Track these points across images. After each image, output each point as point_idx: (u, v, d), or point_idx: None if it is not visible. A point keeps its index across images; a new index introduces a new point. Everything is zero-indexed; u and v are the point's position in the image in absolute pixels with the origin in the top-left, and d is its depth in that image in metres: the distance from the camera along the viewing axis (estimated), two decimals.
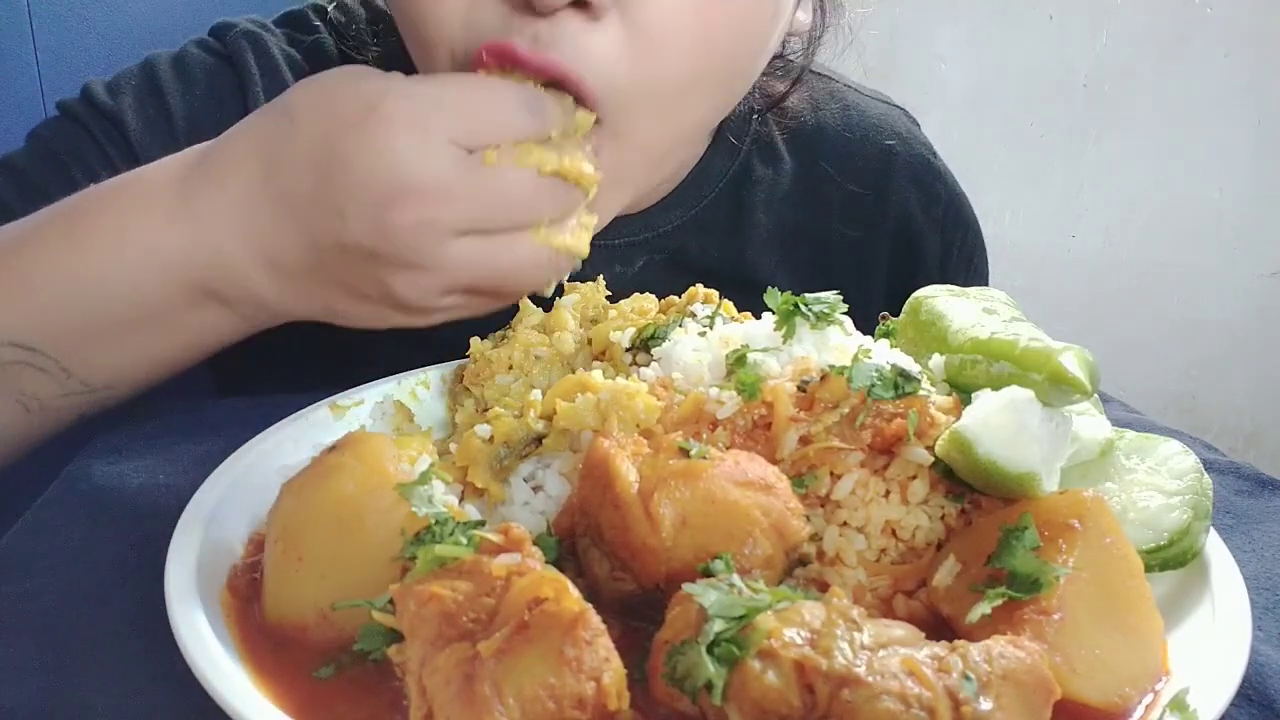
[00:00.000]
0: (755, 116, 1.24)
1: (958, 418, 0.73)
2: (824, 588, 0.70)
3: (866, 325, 0.91)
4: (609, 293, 0.99)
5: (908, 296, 1.26)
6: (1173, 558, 0.75)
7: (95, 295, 0.83)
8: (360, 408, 0.96)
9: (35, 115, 1.52)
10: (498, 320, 0.94)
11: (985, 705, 0.54)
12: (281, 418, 0.92)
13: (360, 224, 0.73)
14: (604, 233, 1.16)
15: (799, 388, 0.76)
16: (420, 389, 1.01)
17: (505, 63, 0.81)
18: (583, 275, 1.15)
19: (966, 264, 1.36)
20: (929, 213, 1.31)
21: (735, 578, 0.60)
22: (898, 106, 1.36)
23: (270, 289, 0.82)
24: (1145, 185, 2.72)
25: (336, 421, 0.94)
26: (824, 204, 1.27)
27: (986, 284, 1.39)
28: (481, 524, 0.66)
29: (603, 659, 0.54)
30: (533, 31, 0.81)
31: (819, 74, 1.30)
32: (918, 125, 1.37)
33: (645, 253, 1.20)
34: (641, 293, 1.07)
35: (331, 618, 0.66)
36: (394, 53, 1.17)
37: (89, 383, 0.89)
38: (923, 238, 1.31)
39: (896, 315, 0.92)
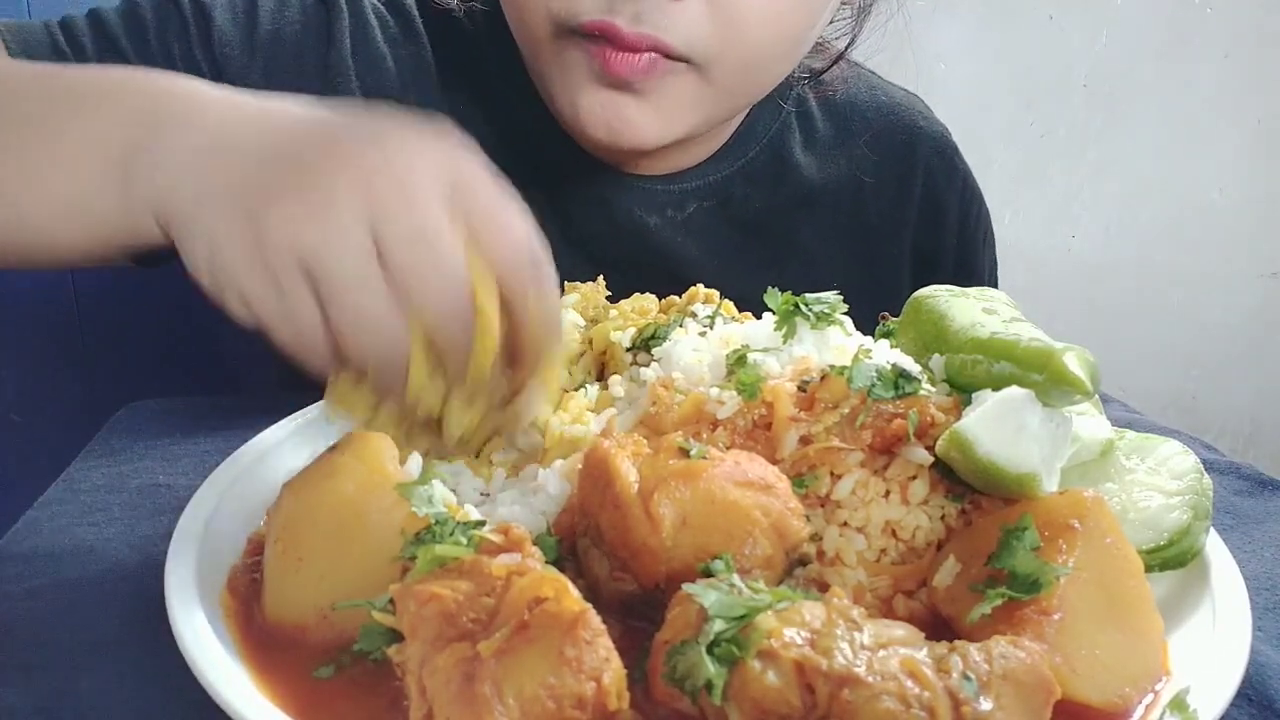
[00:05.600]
0: (797, 84, 1.35)
1: (958, 418, 0.73)
2: (824, 588, 0.70)
3: (893, 282, 0.93)
4: (609, 293, 0.99)
5: (931, 256, 1.39)
6: (1173, 558, 0.75)
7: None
8: None
9: None
10: None
11: (985, 705, 0.54)
12: (281, 418, 0.93)
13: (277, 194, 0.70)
14: (660, 179, 1.28)
15: (799, 388, 0.76)
16: None
17: (609, 39, 1.01)
18: (638, 216, 1.26)
19: (984, 233, 1.48)
20: (950, 182, 1.42)
21: (735, 578, 0.60)
22: (913, 93, 1.49)
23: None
24: (1145, 185, 2.72)
25: (336, 422, 0.94)
26: (857, 166, 1.38)
27: (995, 257, 1.50)
28: (482, 524, 0.66)
29: (603, 659, 0.54)
30: (633, 11, 1.00)
31: (847, 61, 1.40)
32: (931, 111, 1.49)
33: (696, 199, 1.30)
34: (688, 236, 1.28)
35: (331, 618, 0.66)
36: (478, 7, 1.23)
37: None
38: (946, 204, 1.41)
39: (915, 290, 0.91)
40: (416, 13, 1.25)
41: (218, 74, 1.12)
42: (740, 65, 1.09)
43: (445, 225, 0.69)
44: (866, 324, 0.90)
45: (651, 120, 1.09)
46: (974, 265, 1.45)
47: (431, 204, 0.69)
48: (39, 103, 0.87)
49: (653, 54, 1.03)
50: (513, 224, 0.72)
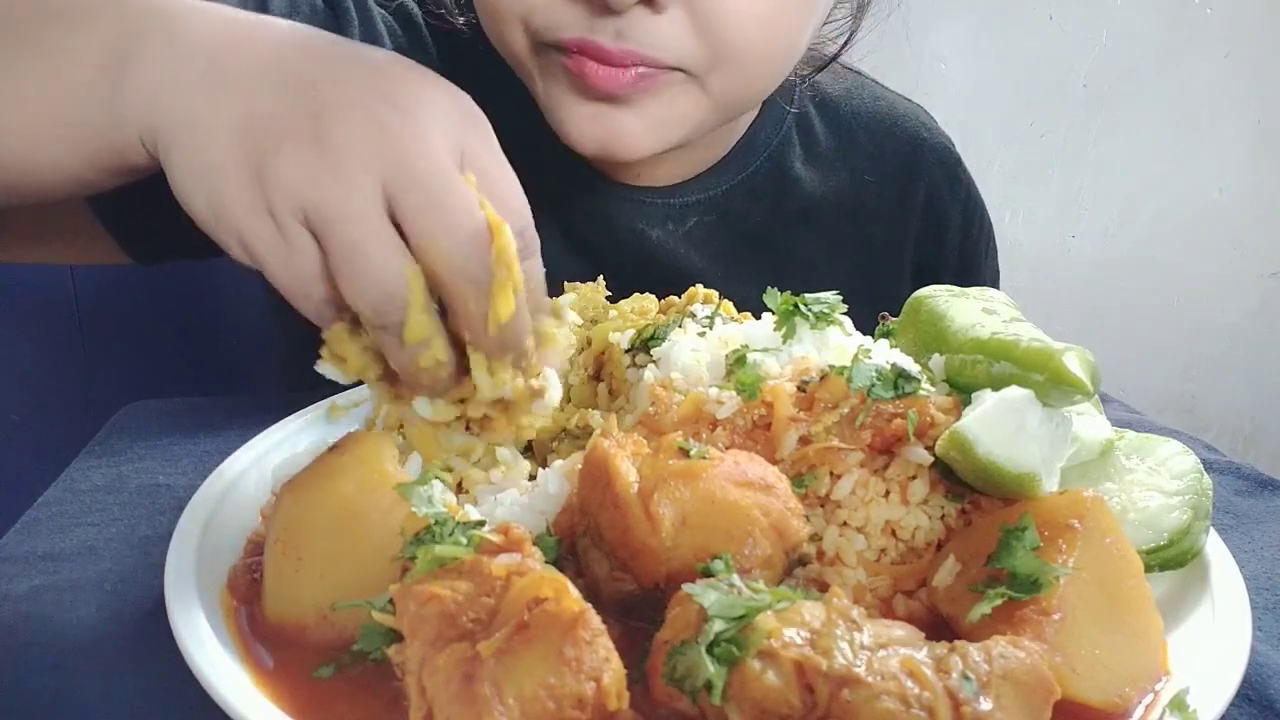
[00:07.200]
0: (796, 93, 1.34)
1: (958, 418, 0.73)
2: (824, 588, 0.70)
3: (894, 295, 0.93)
4: (609, 292, 0.99)
5: (932, 269, 1.39)
6: (1173, 558, 0.75)
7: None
8: (360, 409, 0.96)
9: None
10: None
11: (985, 705, 0.54)
12: (281, 418, 0.93)
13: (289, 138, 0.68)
14: (661, 191, 1.27)
15: (799, 388, 0.76)
16: None
17: (592, 56, 0.98)
18: (639, 229, 1.26)
19: (986, 245, 1.47)
20: (953, 194, 1.41)
21: (735, 578, 0.60)
22: (917, 104, 1.48)
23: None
24: (1145, 185, 2.72)
25: (336, 422, 0.94)
26: (859, 178, 1.37)
27: (998, 267, 1.50)
28: (481, 524, 0.66)
29: (603, 659, 0.54)
30: (615, 28, 0.97)
31: (850, 69, 1.40)
32: (935, 122, 1.48)
33: (696, 213, 1.30)
34: (690, 249, 1.27)
35: (331, 618, 0.66)
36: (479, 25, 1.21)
37: None
38: (948, 216, 1.41)
39: (914, 292, 0.91)
40: (424, 23, 1.24)
41: None
42: (734, 71, 1.06)
43: (459, 178, 0.69)
44: (867, 334, 0.90)
45: (643, 130, 1.06)
46: (976, 278, 1.44)
47: (446, 162, 0.69)
48: (21, 19, 0.81)
49: (640, 68, 1.00)
50: (516, 191, 0.73)
